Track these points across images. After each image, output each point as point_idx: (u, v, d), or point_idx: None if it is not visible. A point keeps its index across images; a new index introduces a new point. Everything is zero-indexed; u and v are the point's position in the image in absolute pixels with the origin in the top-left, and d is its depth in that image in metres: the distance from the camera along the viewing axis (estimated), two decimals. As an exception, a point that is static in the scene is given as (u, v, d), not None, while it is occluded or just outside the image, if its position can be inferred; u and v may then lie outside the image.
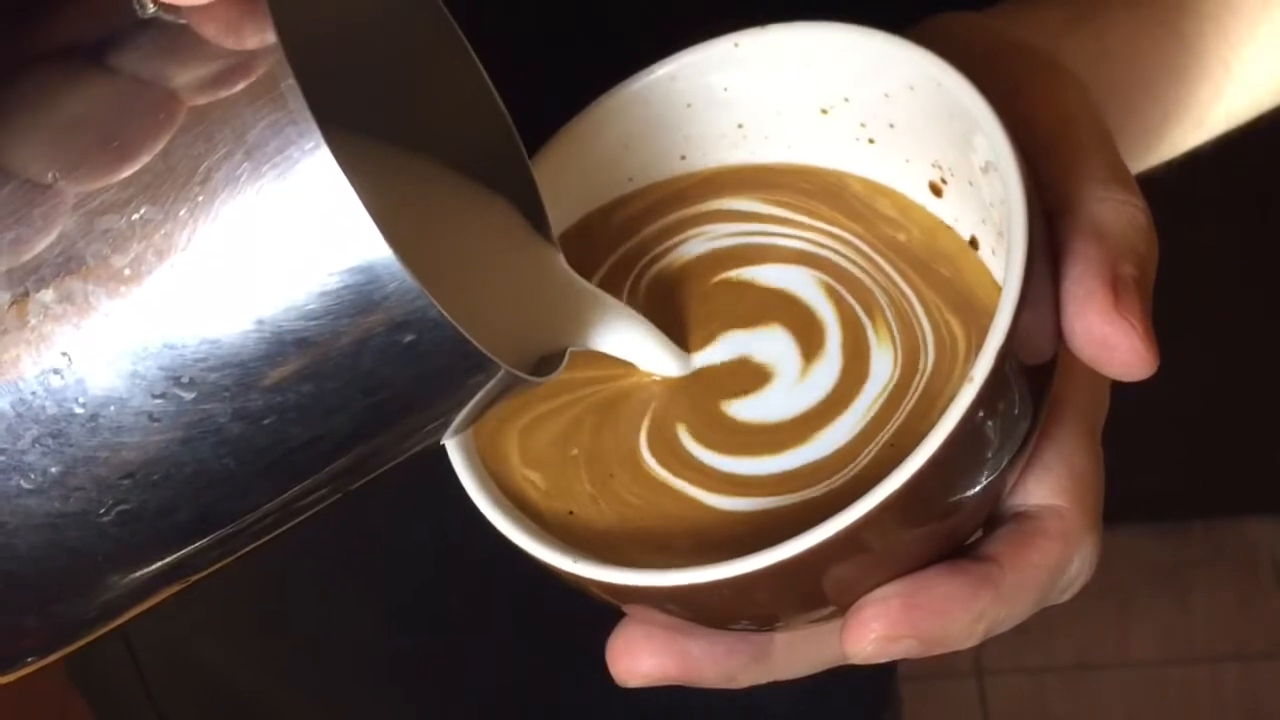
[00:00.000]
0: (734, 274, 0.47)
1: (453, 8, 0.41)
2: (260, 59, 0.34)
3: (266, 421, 0.35)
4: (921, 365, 0.42)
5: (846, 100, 0.45)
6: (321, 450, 0.36)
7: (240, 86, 0.34)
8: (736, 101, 0.46)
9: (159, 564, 0.38)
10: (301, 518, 0.39)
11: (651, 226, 0.48)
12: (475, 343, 0.35)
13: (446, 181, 0.43)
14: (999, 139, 0.40)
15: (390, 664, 0.71)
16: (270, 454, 0.36)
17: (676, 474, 0.43)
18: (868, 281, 0.45)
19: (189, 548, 0.38)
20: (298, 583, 0.69)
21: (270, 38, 0.34)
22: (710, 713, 0.63)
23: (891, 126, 0.45)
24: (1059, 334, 0.40)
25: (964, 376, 0.38)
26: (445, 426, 0.38)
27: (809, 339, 0.44)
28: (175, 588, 0.39)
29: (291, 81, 0.33)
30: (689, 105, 0.47)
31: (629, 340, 0.43)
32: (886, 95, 0.44)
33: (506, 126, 0.43)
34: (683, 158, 0.48)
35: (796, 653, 0.43)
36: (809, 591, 0.40)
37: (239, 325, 0.34)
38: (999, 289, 0.40)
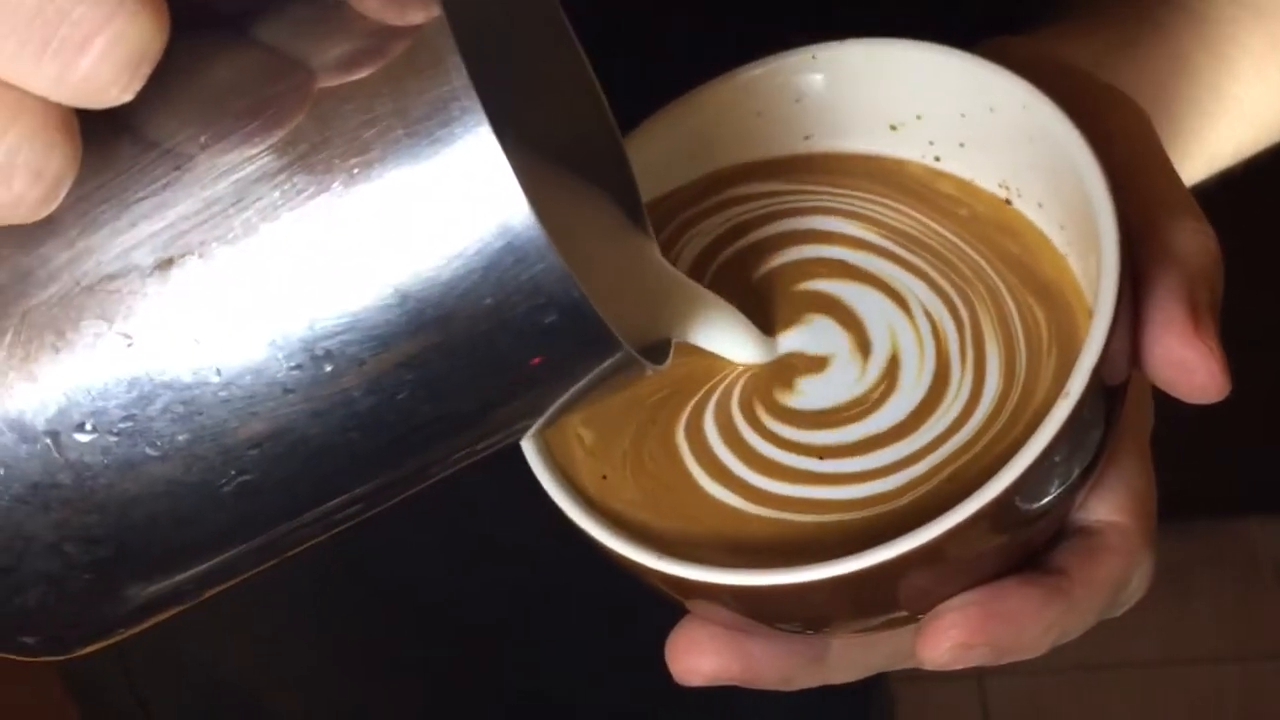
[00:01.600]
0: (816, 251, 0.46)
1: None
2: (424, 32, 0.34)
3: (399, 396, 0.35)
4: (1016, 366, 0.43)
5: (919, 118, 0.46)
6: (443, 429, 0.36)
7: (402, 60, 0.33)
8: (807, 112, 0.47)
9: (264, 539, 0.38)
10: (399, 498, 0.38)
11: (718, 215, 0.48)
12: (612, 328, 0.35)
13: (553, 170, 0.43)
14: (1093, 167, 0.41)
15: (378, 653, 0.71)
16: (395, 429, 0.36)
17: (710, 458, 0.43)
18: (965, 270, 0.45)
19: (297, 523, 0.37)
20: (286, 569, 0.68)
21: (436, 10, 0.34)
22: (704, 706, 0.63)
23: (961, 145, 0.45)
24: (1135, 356, 0.41)
25: (1048, 382, 0.40)
26: (557, 411, 0.38)
27: (888, 335, 0.44)
28: (269, 563, 0.39)
29: (458, 58, 0.33)
30: (759, 114, 0.47)
31: (721, 334, 0.44)
32: (963, 115, 0.45)
33: (605, 115, 0.43)
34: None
35: (850, 655, 0.44)
36: (887, 597, 0.40)
37: (383, 298, 0.34)
38: (1069, 269, 0.42)
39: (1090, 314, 0.40)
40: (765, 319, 0.45)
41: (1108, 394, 0.40)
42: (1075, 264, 0.43)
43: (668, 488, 0.43)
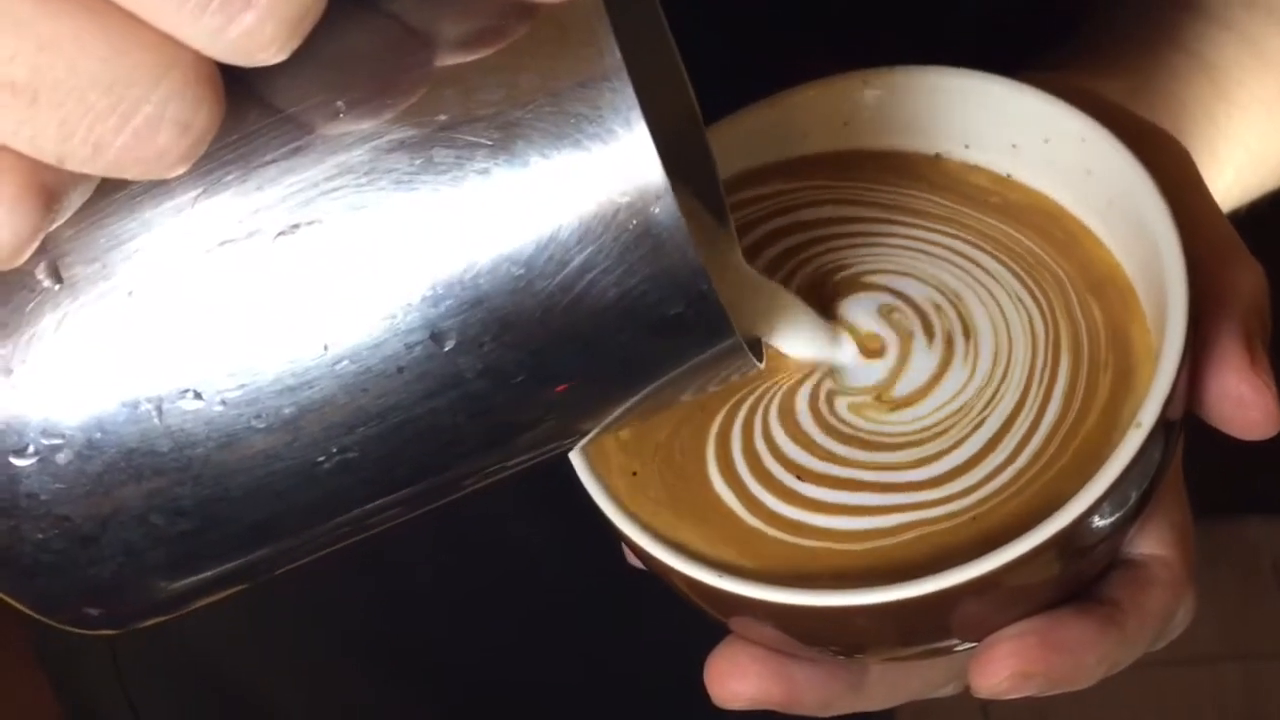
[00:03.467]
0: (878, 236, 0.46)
1: None
2: (577, 9, 0.33)
3: (516, 380, 0.34)
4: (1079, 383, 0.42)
5: (967, 147, 0.46)
6: (552, 416, 0.36)
7: (552, 36, 0.33)
8: (854, 137, 0.47)
9: (350, 518, 0.37)
10: (487, 483, 0.38)
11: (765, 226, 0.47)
12: (733, 324, 0.34)
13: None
14: (1156, 199, 0.41)
15: (378, 650, 0.71)
16: (504, 415, 0.35)
17: (732, 468, 0.42)
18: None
19: (387, 504, 0.37)
20: (293, 570, 0.68)
21: None
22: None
23: (1008, 176, 0.45)
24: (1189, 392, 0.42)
25: (1103, 401, 0.41)
26: (660, 404, 0.38)
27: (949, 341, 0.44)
28: (346, 542, 0.38)
29: (612, 38, 0.32)
30: (805, 136, 0.47)
31: (799, 336, 0.44)
32: (1014, 146, 0.45)
33: (691, 107, 0.42)
34: None
35: (888, 682, 0.44)
36: (942, 623, 0.40)
37: (513, 282, 0.33)
38: (1117, 262, 0.43)
39: (1146, 322, 0.41)
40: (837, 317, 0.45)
41: (1168, 427, 0.40)
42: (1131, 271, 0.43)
43: (685, 481, 0.43)
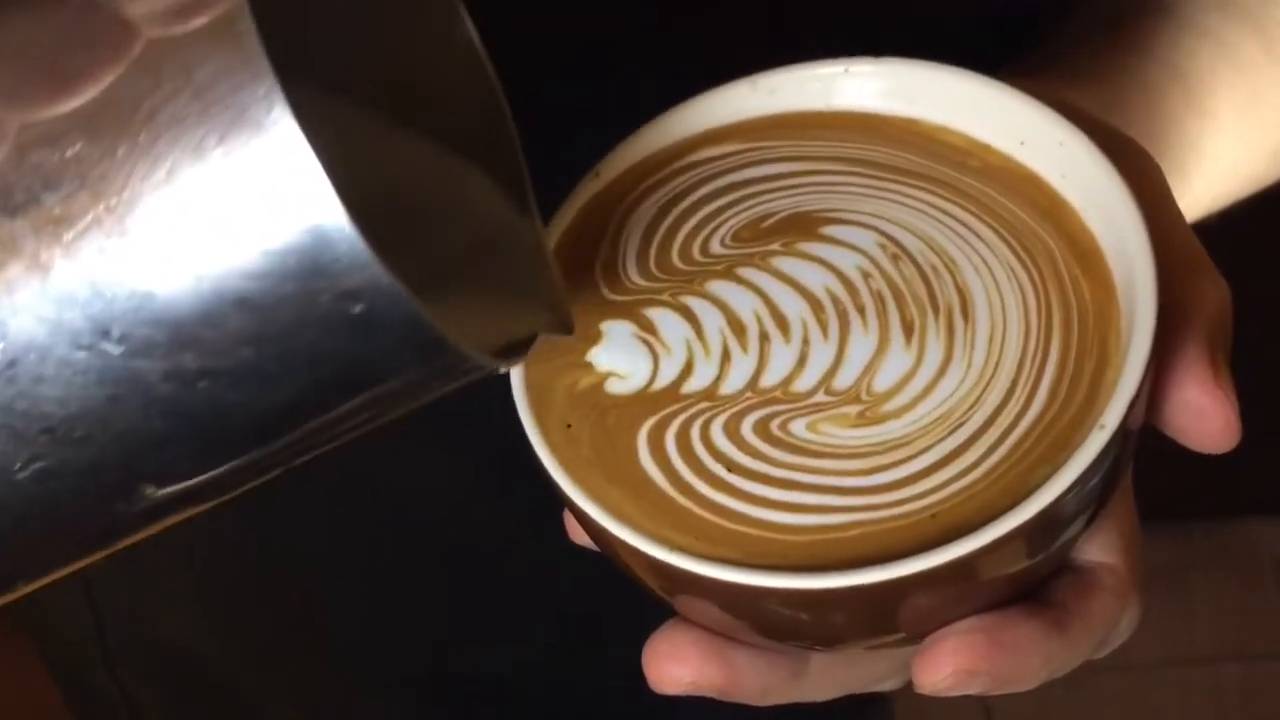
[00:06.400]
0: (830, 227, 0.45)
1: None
2: None
3: (201, 385, 0.33)
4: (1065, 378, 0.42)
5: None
6: (259, 420, 0.34)
7: (196, 22, 0.31)
8: (826, 101, 0.46)
9: (82, 526, 0.36)
10: (236, 492, 0.36)
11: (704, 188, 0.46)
12: (430, 317, 0.32)
13: (431, 152, 0.41)
14: (1130, 206, 0.41)
15: (370, 653, 0.71)
16: (204, 419, 0.33)
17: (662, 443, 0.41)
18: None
19: (113, 512, 0.35)
20: (276, 564, 0.69)
21: None
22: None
23: (986, 143, 0.45)
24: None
25: (1079, 403, 0.40)
26: (395, 407, 0.36)
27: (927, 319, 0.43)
28: (98, 554, 0.37)
29: (249, 22, 0.31)
30: (773, 92, 0.46)
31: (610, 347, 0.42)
32: (987, 146, 0.44)
33: (495, 97, 0.41)
34: None
35: (830, 673, 0.44)
36: (890, 616, 0.40)
37: (176, 279, 0.32)
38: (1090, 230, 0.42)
39: (1120, 313, 0.40)
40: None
41: (1128, 433, 0.40)
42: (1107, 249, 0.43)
43: (614, 448, 0.42)
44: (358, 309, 0.32)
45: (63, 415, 0.33)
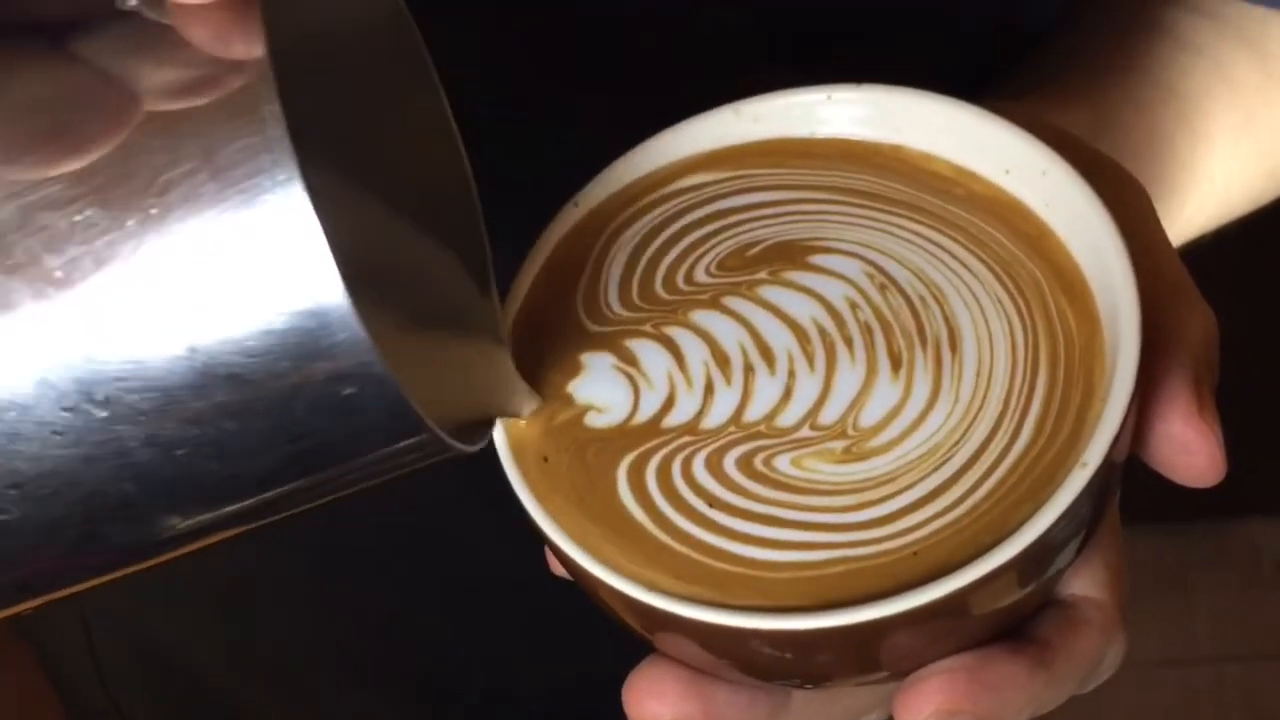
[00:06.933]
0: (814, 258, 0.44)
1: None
2: (245, 73, 0.32)
3: (179, 452, 0.33)
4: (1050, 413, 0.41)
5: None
6: (229, 489, 0.34)
7: (217, 99, 0.32)
8: (810, 129, 0.46)
9: (26, 576, 0.36)
10: (190, 548, 0.36)
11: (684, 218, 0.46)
12: (416, 406, 0.33)
13: (403, 225, 0.41)
14: (1114, 237, 0.41)
15: (361, 665, 0.71)
16: (175, 486, 0.34)
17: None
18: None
19: (64, 566, 0.35)
20: (269, 577, 0.69)
21: (259, 51, 0.32)
22: None
23: (971, 170, 0.44)
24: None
25: (1065, 437, 0.39)
26: (361, 481, 0.36)
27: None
28: (35, 600, 0.37)
29: (276, 106, 0.31)
30: (756, 120, 0.46)
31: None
32: (972, 172, 0.44)
33: (464, 176, 0.41)
34: None
35: (811, 709, 0.43)
36: (872, 655, 0.39)
37: (170, 349, 0.32)
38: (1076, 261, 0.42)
39: (1105, 343, 0.40)
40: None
41: (1111, 467, 0.39)
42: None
43: (592, 483, 0.41)
44: (347, 391, 0.33)
45: (34, 473, 0.33)
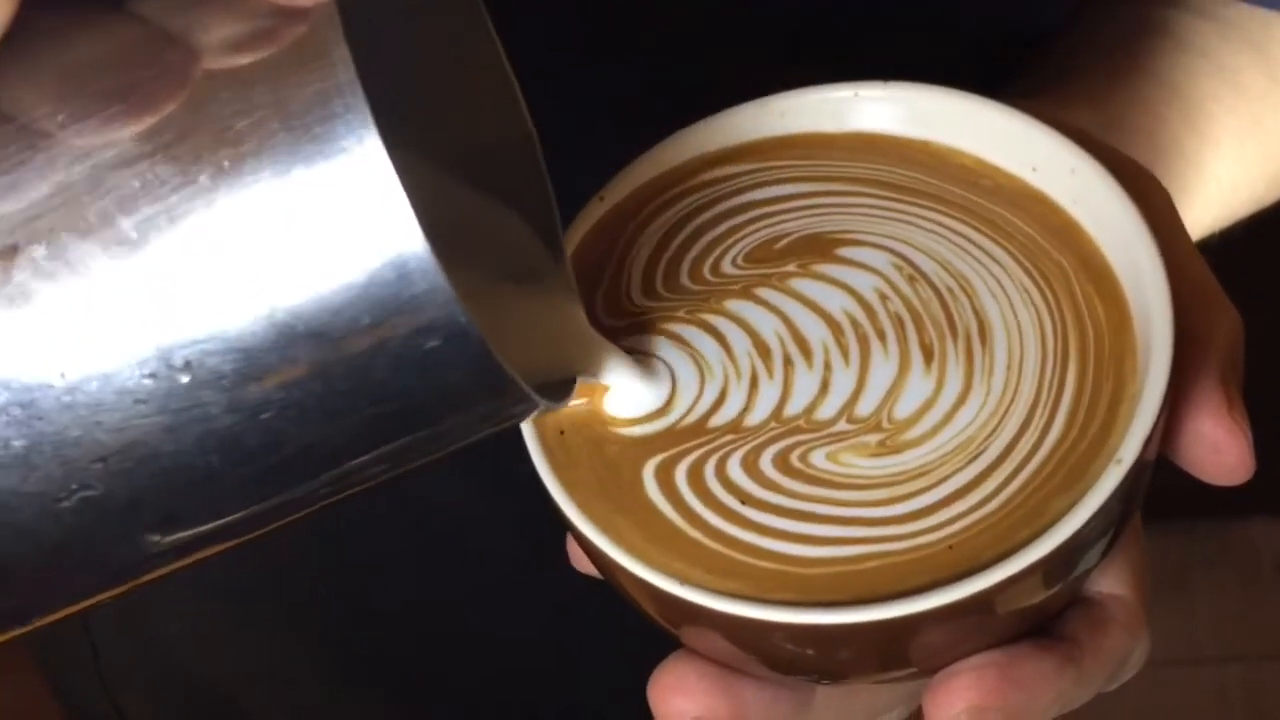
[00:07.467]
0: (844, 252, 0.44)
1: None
2: (313, 20, 0.31)
3: (263, 417, 0.32)
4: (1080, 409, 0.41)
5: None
6: (312, 457, 0.34)
7: (284, 48, 0.31)
8: (836, 124, 0.45)
9: (110, 559, 0.35)
10: (269, 528, 0.36)
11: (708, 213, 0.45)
12: (499, 357, 0.32)
13: (465, 185, 0.40)
14: (1145, 236, 0.41)
15: (363, 664, 0.71)
16: (258, 454, 0.33)
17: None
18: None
19: (145, 545, 0.34)
20: (271, 578, 0.69)
21: None
22: None
23: (996, 164, 0.44)
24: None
25: (1095, 431, 0.39)
26: (442, 447, 0.35)
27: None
28: (117, 589, 0.36)
29: (345, 51, 0.30)
30: (783, 115, 0.46)
31: (620, 382, 0.41)
32: (997, 167, 0.44)
33: (530, 138, 0.40)
34: None
35: (835, 705, 0.43)
36: (902, 651, 0.39)
37: (250, 309, 0.31)
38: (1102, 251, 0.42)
39: (1136, 336, 0.40)
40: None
41: (1143, 466, 0.39)
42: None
43: (617, 477, 0.41)
44: (430, 345, 0.32)
45: (117, 445, 0.32)
